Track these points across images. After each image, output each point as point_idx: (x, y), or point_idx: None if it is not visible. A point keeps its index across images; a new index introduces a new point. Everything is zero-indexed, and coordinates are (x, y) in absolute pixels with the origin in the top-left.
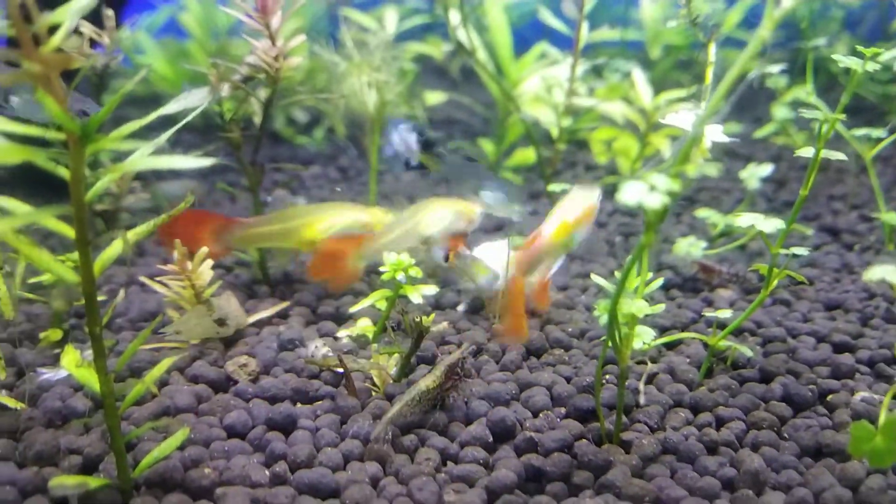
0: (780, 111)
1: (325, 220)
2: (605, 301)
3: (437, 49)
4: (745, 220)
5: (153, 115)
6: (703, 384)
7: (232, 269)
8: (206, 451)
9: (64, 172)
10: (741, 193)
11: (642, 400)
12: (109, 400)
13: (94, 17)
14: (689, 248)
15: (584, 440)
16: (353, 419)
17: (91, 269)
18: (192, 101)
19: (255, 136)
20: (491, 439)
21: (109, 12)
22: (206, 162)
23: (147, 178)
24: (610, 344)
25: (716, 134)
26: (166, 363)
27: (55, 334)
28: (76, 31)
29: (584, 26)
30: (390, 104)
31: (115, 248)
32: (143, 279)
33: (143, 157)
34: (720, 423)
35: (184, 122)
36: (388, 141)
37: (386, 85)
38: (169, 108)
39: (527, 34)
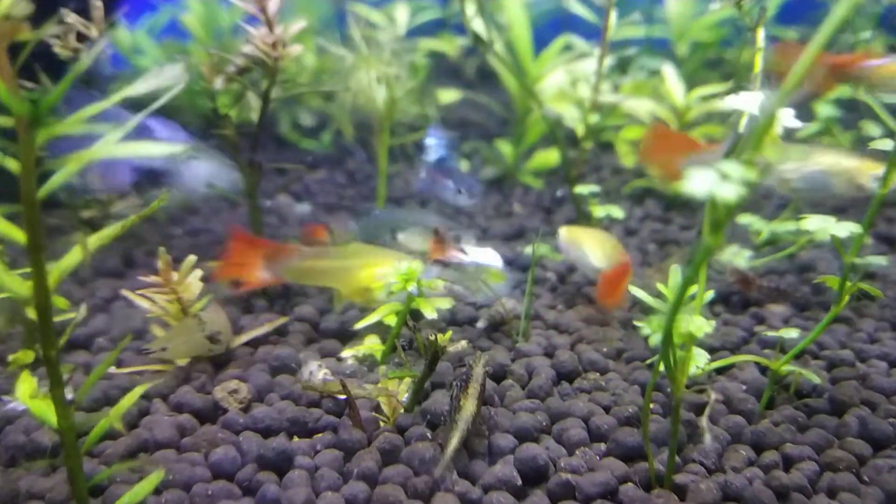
0: (824, 109)
1: (381, 265)
2: (657, 318)
3: (451, 45)
4: (813, 222)
5: (117, 97)
6: (765, 416)
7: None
8: (187, 496)
9: (12, 164)
10: (780, 199)
11: (708, 440)
12: (69, 436)
13: (82, 7)
14: (733, 258)
15: (629, 484)
16: (358, 456)
17: (45, 281)
18: (164, 80)
19: (253, 134)
20: (520, 482)
21: (98, 2)
22: (177, 149)
23: (141, 185)
24: (662, 368)
25: (788, 118)
26: (138, 392)
27: (26, 356)
28: (60, 21)
29: (613, 14)
30: (401, 101)
31: (73, 257)
32: (125, 293)
33: (108, 145)
34: (788, 463)
35: (158, 103)
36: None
37: (396, 80)
38: (137, 89)
39: (546, 34)
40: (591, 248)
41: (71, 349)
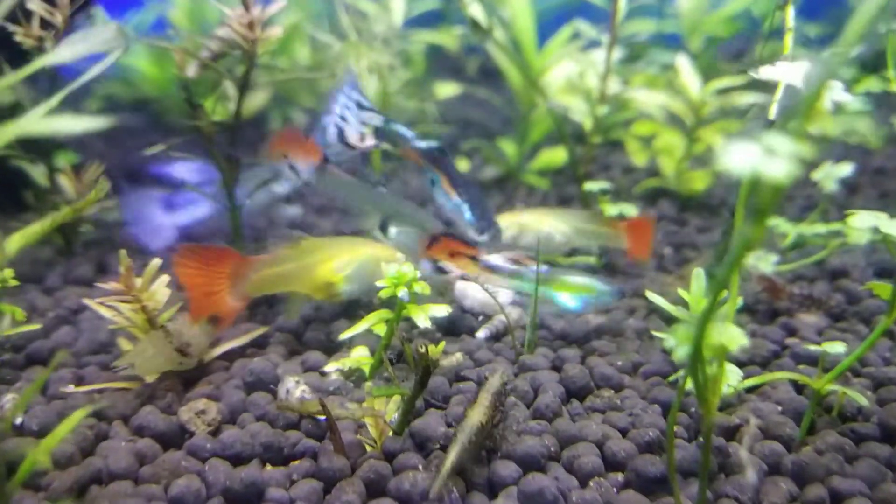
0: (855, 104)
1: (340, 257)
2: (684, 328)
3: (450, 38)
4: (863, 219)
5: (31, 68)
6: (807, 443)
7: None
8: None
9: None
10: (805, 201)
11: (752, 475)
12: None
13: None
14: (758, 262)
15: None
16: (339, 488)
17: None
18: (95, 45)
19: (230, 125)
20: None
21: None
22: (100, 122)
23: (118, 187)
24: (688, 386)
25: (837, 92)
26: (78, 416)
27: None
28: (22, 9)
29: None
30: (395, 95)
31: None
32: (88, 302)
33: (34, 119)
34: (837, 499)
35: (85, 78)
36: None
37: (389, 71)
38: (58, 57)
39: (554, 29)
40: (545, 223)
41: (29, 364)
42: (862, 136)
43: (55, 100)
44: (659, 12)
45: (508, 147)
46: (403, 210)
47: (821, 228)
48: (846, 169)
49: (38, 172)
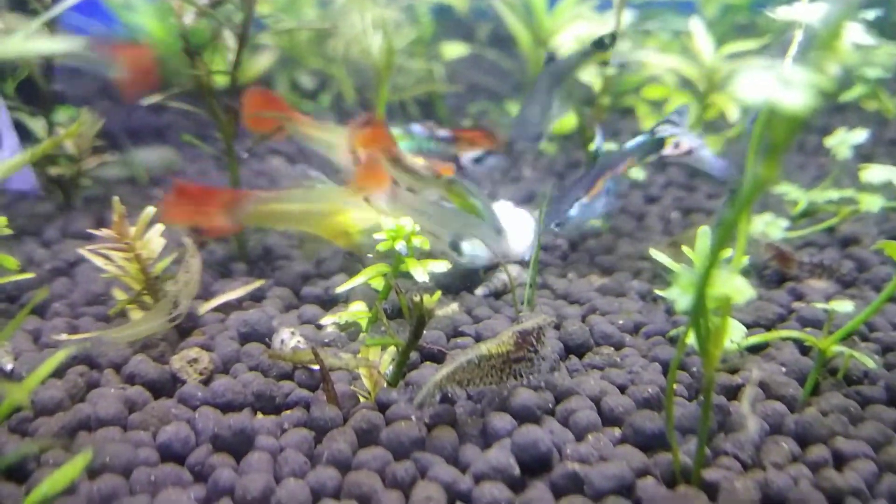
0: (871, 70)
1: (363, 209)
2: (687, 276)
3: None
4: (877, 173)
5: None
6: (810, 403)
7: (206, 244)
8: (125, 483)
9: None
10: (817, 170)
11: (753, 428)
12: None
13: None
14: (766, 228)
15: (649, 478)
16: (330, 436)
17: None
18: None
19: (230, 75)
20: (517, 472)
21: None
22: (73, 44)
23: (122, 145)
24: (691, 339)
25: (857, 33)
26: (60, 356)
27: None
28: None
29: None
30: (401, 54)
31: None
32: (81, 251)
33: (14, 42)
34: (840, 460)
35: (65, 4)
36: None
37: (395, 27)
38: None
39: None
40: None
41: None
42: (881, 101)
43: (35, 24)
44: None
45: (516, 110)
46: (470, 224)
47: (833, 195)
48: (861, 135)
49: (37, 125)
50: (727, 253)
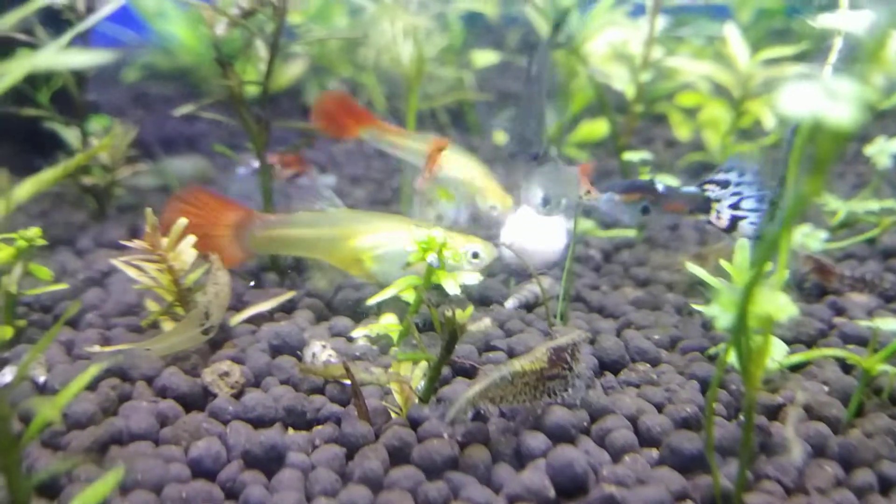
0: None
1: (373, 234)
2: (728, 293)
3: (490, 6)
4: None
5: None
6: (854, 425)
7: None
8: (157, 500)
9: None
10: (856, 178)
11: (798, 453)
12: (3, 427)
13: None
14: (805, 240)
15: (688, 502)
16: (361, 454)
17: None
18: None
19: (260, 85)
20: (552, 494)
21: None
22: (105, 57)
23: (155, 154)
24: (730, 359)
25: None
26: (92, 372)
27: (5, 332)
28: None
29: None
30: (432, 62)
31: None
32: (114, 261)
33: (46, 54)
34: (886, 485)
35: (97, 17)
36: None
37: (426, 35)
38: None
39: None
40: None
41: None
42: None
43: (66, 38)
44: None
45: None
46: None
47: (873, 205)
48: None
49: (71, 135)
50: (768, 268)
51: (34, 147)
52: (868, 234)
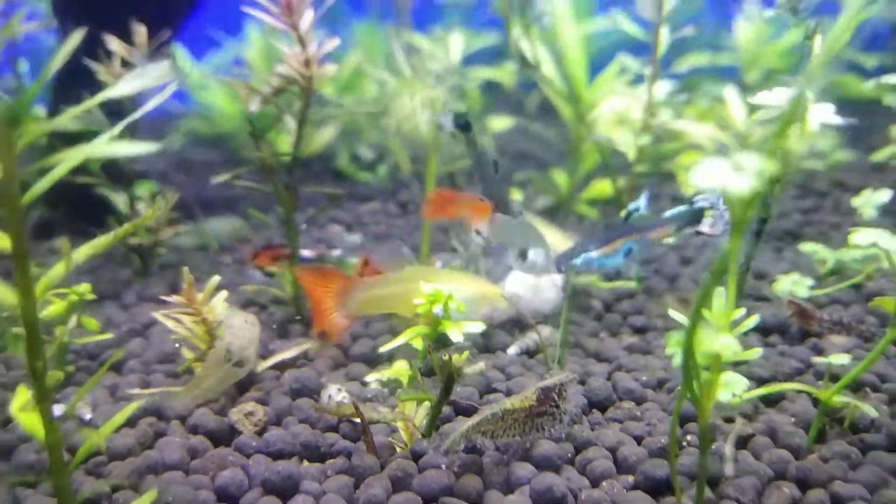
0: None
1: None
2: (677, 335)
3: (506, 74)
4: (864, 236)
5: (98, 99)
6: (814, 451)
7: (266, 307)
8: None
9: None
10: (851, 228)
11: (730, 470)
12: (55, 452)
13: (123, 32)
14: (793, 287)
15: None
16: (367, 483)
17: (31, 290)
18: (150, 80)
19: (290, 155)
20: None
21: (140, 28)
22: (152, 147)
23: (195, 215)
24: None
25: (825, 113)
26: (131, 408)
27: (56, 375)
28: (104, 48)
29: (664, 30)
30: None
31: (60, 268)
32: (155, 315)
33: (98, 145)
34: (837, 503)
35: (143, 110)
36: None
37: (443, 107)
38: (117, 91)
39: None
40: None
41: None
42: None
43: (117, 128)
44: (713, 45)
45: (560, 178)
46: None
47: (857, 254)
48: (886, 195)
49: (120, 200)
50: (738, 312)
51: (86, 211)
52: (853, 280)
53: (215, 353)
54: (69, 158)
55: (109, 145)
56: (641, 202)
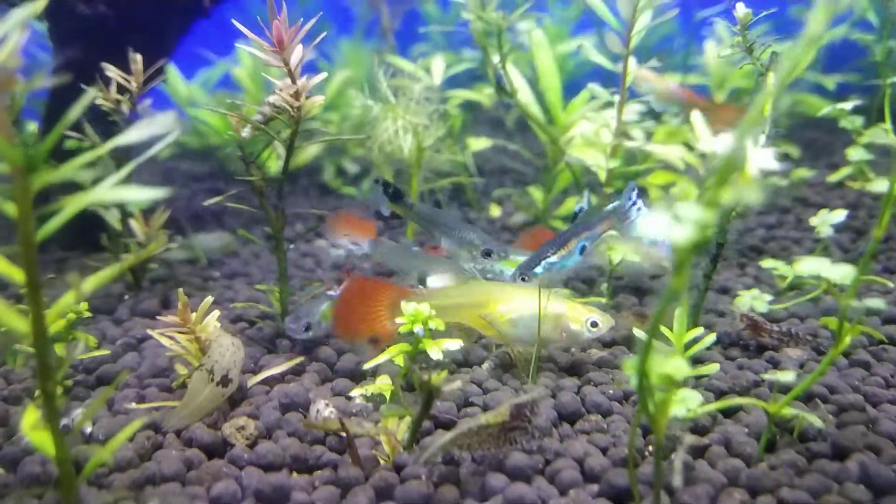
0: (856, 153)
1: (508, 302)
2: (632, 360)
3: (483, 95)
4: (808, 265)
5: (109, 145)
6: (764, 460)
7: (255, 323)
8: None
9: (10, 208)
10: (813, 244)
11: (678, 481)
12: (65, 468)
13: (121, 60)
14: (753, 302)
15: None
16: (352, 493)
17: (42, 317)
18: (156, 128)
19: (278, 180)
20: None
21: (137, 56)
22: (160, 193)
23: (184, 230)
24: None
25: (765, 159)
26: (135, 425)
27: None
28: (101, 76)
29: (631, 61)
30: (430, 149)
31: (69, 297)
32: (151, 332)
33: (104, 190)
34: None
35: (149, 153)
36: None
37: (424, 129)
38: (129, 137)
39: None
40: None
41: (99, 385)
42: (867, 181)
43: (124, 172)
44: (684, 66)
45: (537, 194)
46: (439, 265)
47: (815, 269)
48: (841, 215)
49: (111, 216)
50: (696, 331)
51: (78, 227)
52: (810, 294)
53: (200, 374)
54: (78, 202)
55: (118, 190)
56: (584, 202)
